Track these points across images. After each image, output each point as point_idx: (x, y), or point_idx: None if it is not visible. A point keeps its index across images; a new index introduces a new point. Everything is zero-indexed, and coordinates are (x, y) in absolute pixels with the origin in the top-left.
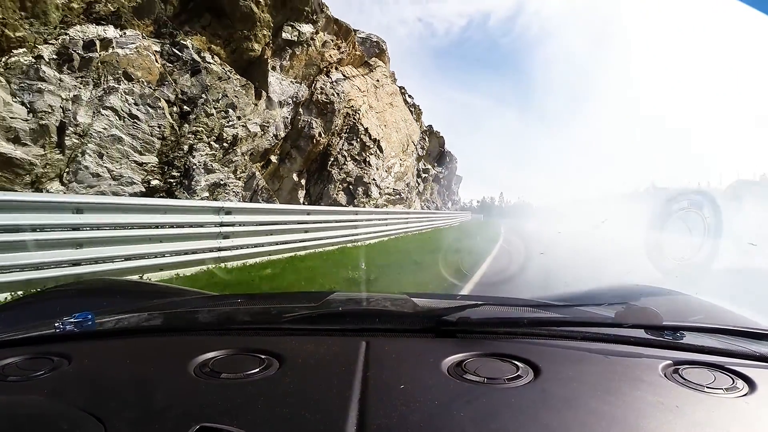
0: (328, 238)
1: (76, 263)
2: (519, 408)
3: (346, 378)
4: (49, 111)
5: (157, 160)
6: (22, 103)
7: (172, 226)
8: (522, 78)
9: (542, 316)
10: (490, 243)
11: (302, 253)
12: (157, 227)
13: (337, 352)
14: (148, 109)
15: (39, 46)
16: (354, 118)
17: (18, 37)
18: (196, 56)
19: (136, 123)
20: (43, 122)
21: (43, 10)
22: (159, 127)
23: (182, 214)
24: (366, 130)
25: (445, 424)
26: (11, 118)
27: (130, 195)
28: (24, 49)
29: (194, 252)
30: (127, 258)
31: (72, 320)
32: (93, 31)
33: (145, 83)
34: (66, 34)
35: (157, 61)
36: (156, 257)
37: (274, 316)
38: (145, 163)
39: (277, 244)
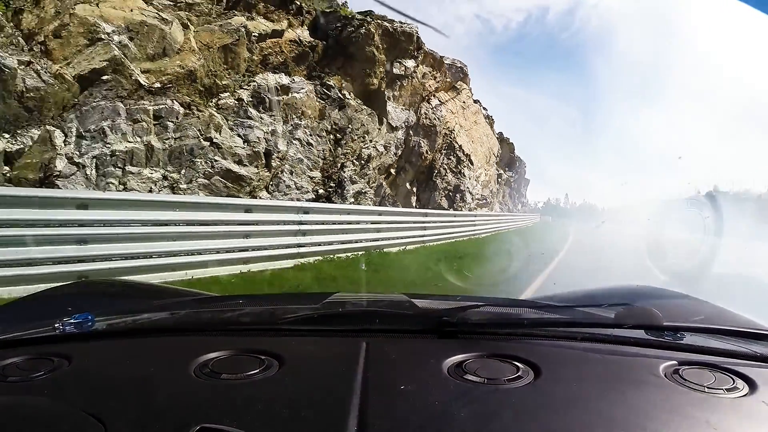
0: (402, 238)
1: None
2: (519, 409)
3: (346, 379)
4: (258, 141)
5: (320, 174)
6: (239, 136)
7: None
8: (583, 75)
9: (543, 317)
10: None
11: (394, 249)
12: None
13: (337, 352)
14: (317, 138)
15: (237, 91)
16: (450, 137)
17: (223, 84)
18: (339, 94)
19: (310, 148)
20: (255, 149)
21: (236, 62)
22: (322, 151)
23: (270, 213)
24: (460, 146)
25: (445, 425)
26: (235, 146)
27: (306, 200)
28: (228, 93)
29: (280, 247)
30: (217, 251)
31: (72, 321)
32: (271, 78)
33: (313, 118)
34: (254, 81)
35: (316, 101)
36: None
37: (275, 317)
38: (314, 177)
39: (352, 242)
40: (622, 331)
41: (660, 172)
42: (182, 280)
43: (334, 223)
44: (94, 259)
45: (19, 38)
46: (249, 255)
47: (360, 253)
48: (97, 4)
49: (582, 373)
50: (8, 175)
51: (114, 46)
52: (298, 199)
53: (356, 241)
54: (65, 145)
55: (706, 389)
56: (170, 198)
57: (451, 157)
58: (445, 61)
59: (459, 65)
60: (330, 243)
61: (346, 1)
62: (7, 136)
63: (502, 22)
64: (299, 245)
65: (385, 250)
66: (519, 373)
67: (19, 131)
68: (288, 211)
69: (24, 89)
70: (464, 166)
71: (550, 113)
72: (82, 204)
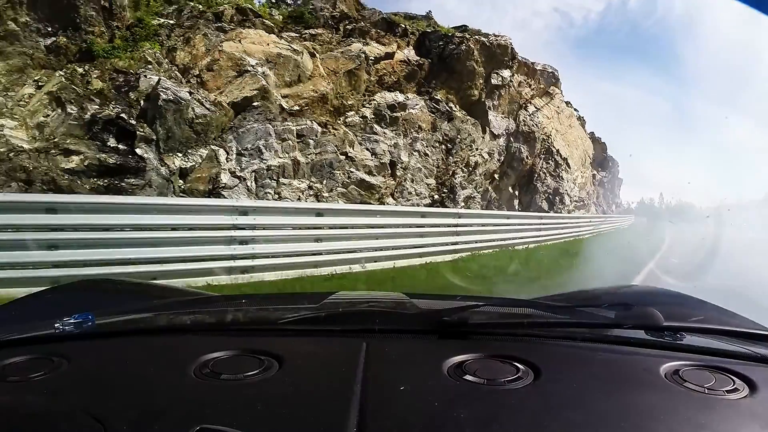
0: (523, 238)
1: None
2: (519, 409)
3: (345, 379)
4: (383, 153)
5: (435, 181)
6: (367, 149)
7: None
8: (672, 63)
9: (543, 317)
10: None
11: (519, 247)
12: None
13: (337, 353)
14: (432, 148)
15: (361, 109)
16: (548, 142)
17: (349, 104)
18: (446, 106)
19: (426, 158)
20: (382, 161)
21: (358, 84)
22: (436, 160)
23: (435, 218)
24: (557, 150)
25: (445, 425)
26: (365, 159)
27: (424, 205)
28: (353, 112)
29: (443, 245)
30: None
31: (72, 321)
32: (389, 96)
33: (427, 131)
34: (374, 99)
35: (428, 115)
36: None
37: (275, 317)
38: (430, 183)
39: (490, 241)
40: (622, 332)
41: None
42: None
43: (481, 225)
44: (255, 257)
45: (176, 72)
46: (424, 250)
47: (496, 250)
48: (240, 41)
49: (582, 373)
50: (183, 186)
51: (260, 76)
52: (418, 204)
53: (491, 240)
54: (227, 161)
55: (706, 390)
56: (376, 208)
57: (550, 161)
58: (537, 67)
59: (550, 70)
60: (476, 242)
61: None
62: (180, 155)
63: (582, 14)
64: (455, 243)
65: (516, 248)
66: (519, 374)
67: (189, 151)
68: (447, 216)
69: (194, 116)
70: (562, 170)
71: (640, 106)
72: (243, 211)
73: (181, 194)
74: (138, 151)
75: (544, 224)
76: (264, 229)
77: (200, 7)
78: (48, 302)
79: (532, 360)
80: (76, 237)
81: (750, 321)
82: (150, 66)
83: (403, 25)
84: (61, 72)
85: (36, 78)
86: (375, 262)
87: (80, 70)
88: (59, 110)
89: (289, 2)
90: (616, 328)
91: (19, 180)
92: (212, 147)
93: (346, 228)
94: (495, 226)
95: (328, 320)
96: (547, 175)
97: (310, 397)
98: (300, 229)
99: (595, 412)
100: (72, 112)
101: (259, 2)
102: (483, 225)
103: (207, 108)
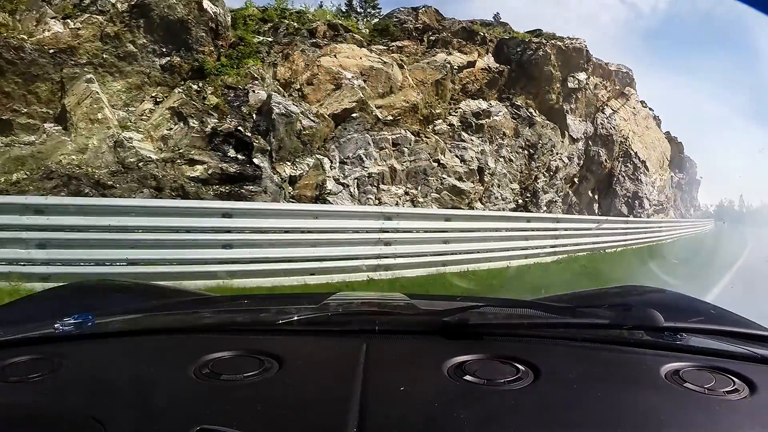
0: (611, 242)
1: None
2: (519, 410)
3: (346, 379)
4: (471, 160)
5: (518, 186)
6: (456, 156)
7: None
8: (749, 53)
9: (543, 318)
10: None
11: (609, 250)
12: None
13: (337, 353)
14: (515, 154)
15: (448, 118)
16: (626, 145)
17: (437, 113)
18: (527, 112)
19: (510, 164)
20: (471, 167)
21: (444, 93)
22: (519, 165)
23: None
24: (635, 153)
25: (445, 426)
26: (455, 165)
27: (509, 210)
28: (441, 120)
29: (545, 247)
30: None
31: (72, 321)
32: (473, 104)
33: (510, 137)
34: (459, 107)
35: (511, 121)
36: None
37: (275, 318)
38: (514, 188)
39: (584, 245)
40: (622, 332)
41: None
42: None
43: (574, 229)
44: (396, 256)
45: (278, 87)
46: (530, 252)
47: (588, 252)
48: (335, 56)
49: (582, 374)
50: (292, 193)
51: (356, 89)
52: (503, 209)
53: (584, 244)
54: (331, 169)
55: (706, 391)
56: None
57: (628, 165)
58: (611, 68)
59: (624, 70)
60: (572, 245)
61: (495, 15)
62: (289, 163)
63: (650, 4)
64: (554, 246)
65: (607, 251)
66: (519, 375)
67: (297, 160)
68: (545, 221)
69: (301, 128)
70: (641, 173)
71: (717, 101)
72: (388, 216)
73: (291, 200)
74: (255, 160)
75: (629, 228)
76: (403, 232)
77: (295, 24)
78: (48, 302)
79: (532, 360)
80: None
81: (750, 321)
82: (256, 81)
83: (481, 33)
84: (179, 89)
85: (153, 94)
86: (489, 262)
87: (195, 86)
88: (181, 124)
89: (365, 11)
90: (616, 329)
91: (150, 187)
92: (317, 156)
93: (467, 231)
94: (586, 230)
95: (328, 321)
96: (626, 178)
97: (310, 398)
98: (431, 232)
99: (595, 413)
100: (194, 125)
101: (330, 6)
102: (576, 229)
103: (312, 120)
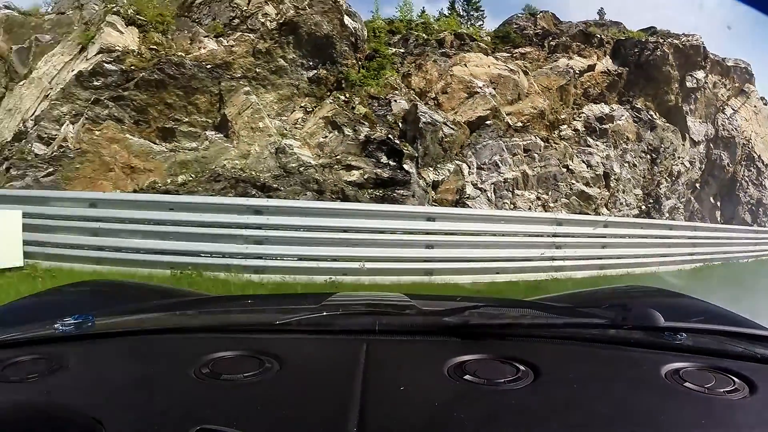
0: (737, 252)
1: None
2: (519, 410)
3: (346, 380)
4: (597, 165)
5: (641, 192)
6: (583, 161)
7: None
8: None
9: (543, 318)
10: None
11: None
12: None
13: (337, 353)
14: (638, 158)
15: (573, 123)
16: (748, 147)
17: (562, 118)
18: (648, 115)
19: (634, 169)
20: (597, 173)
21: (567, 98)
22: (642, 170)
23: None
24: (758, 156)
25: (445, 426)
26: (582, 171)
27: (633, 216)
28: (565, 125)
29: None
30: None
31: (72, 321)
32: (595, 108)
33: (633, 141)
34: (582, 112)
35: (633, 125)
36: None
37: (275, 318)
38: (637, 194)
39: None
40: (622, 332)
41: None
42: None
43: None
44: (564, 258)
45: (414, 96)
46: (667, 259)
47: (722, 262)
48: (465, 65)
49: (582, 374)
50: (434, 197)
51: (488, 97)
52: (626, 215)
53: (721, 252)
54: (469, 175)
55: (706, 390)
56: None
57: (752, 169)
58: (728, 64)
59: (743, 65)
60: (707, 253)
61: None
62: (431, 169)
63: None
64: (691, 254)
65: (731, 261)
66: (519, 375)
67: (439, 166)
68: (685, 228)
69: (443, 135)
70: (764, 178)
71: None
72: (559, 222)
73: (433, 203)
74: (405, 166)
75: (760, 239)
76: (570, 236)
77: (424, 35)
78: (48, 303)
79: (532, 360)
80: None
81: (750, 321)
82: (396, 92)
83: (597, 35)
84: (329, 100)
85: (302, 105)
86: (643, 267)
87: (342, 97)
88: (336, 132)
89: (468, 14)
90: (616, 329)
91: (312, 190)
92: (456, 162)
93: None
94: (722, 238)
95: (328, 321)
96: (749, 184)
97: (310, 398)
98: (589, 237)
99: (595, 413)
100: (349, 134)
101: (433, 11)
102: (711, 237)
103: (451, 128)
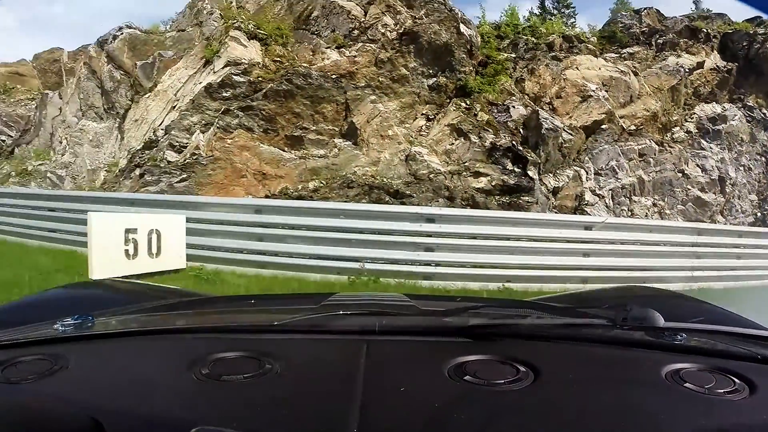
0: None
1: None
2: (519, 410)
3: (346, 380)
4: (712, 169)
5: (756, 198)
6: (697, 165)
7: None
8: None
9: (543, 318)
10: None
11: None
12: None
13: (337, 354)
14: (754, 161)
15: (684, 124)
16: None
17: (674, 120)
18: (760, 113)
19: (749, 172)
20: (712, 177)
21: (678, 98)
22: (757, 174)
23: None
24: None
25: (445, 426)
26: (697, 175)
27: (748, 224)
28: (677, 127)
29: None
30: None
31: (72, 321)
32: (707, 108)
33: (747, 143)
34: (694, 113)
35: (746, 124)
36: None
37: (275, 318)
38: (752, 200)
39: None
40: (622, 333)
41: None
42: None
43: None
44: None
45: (529, 101)
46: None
47: None
48: (577, 68)
49: (582, 375)
50: (554, 203)
51: (603, 100)
52: (742, 223)
53: None
54: (587, 180)
55: (706, 391)
56: None
57: None
58: None
59: None
60: None
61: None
62: (551, 175)
63: None
64: None
65: None
66: (519, 375)
67: (558, 172)
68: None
69: (562, 141)
70: None
71: None
72: (699, 231)
73: (553, 210)
74: (529, 173)
75: None
76: (714, 247)
77: (533, 39)
78: (48, 303)
79: (532, 361)
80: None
81: (750, 321)
82: (514, 97)
83: (704, 30)
84: (452, 107)
85: (423, 112)
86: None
87: (463, 104)
88: (462, 139)
89: (559, 11)
90: (616, 329)
91: (444, 196)
92: (575, 168)
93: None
94: None
95: (328, 321)
96: None
97: (310, 399)
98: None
99: (595, 413)
100: (475, 140)
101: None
102: None
103: (569, 133)
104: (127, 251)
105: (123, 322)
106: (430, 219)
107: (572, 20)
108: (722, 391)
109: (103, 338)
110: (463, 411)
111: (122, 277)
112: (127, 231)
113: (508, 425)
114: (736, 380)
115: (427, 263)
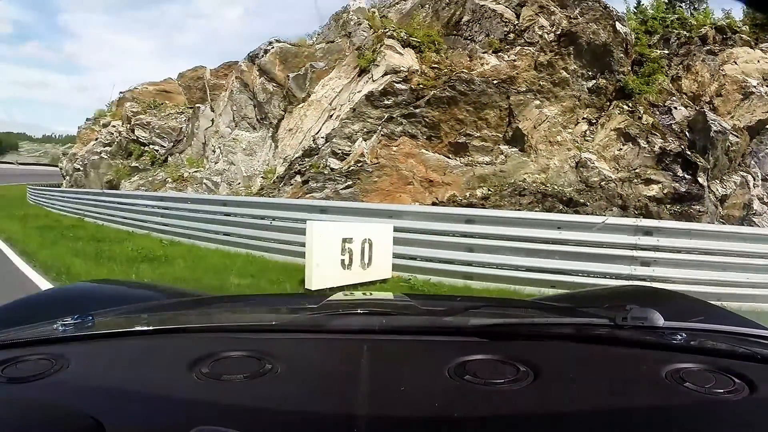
0: None
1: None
2: (519, 410)
3: (346, 380)
4: None
5: None
6: None
7: None
8: None
9: (543, 318)
10: None
11: None
12: None
13: (337, 353)
14: None
15: None
16: None
17: None
18: None
19: None
20: None
21: None
22: None
23: None
24: None
25: (445, 426)
26: None
27: None
28: None
29: None
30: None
31: (72, 321)
32: None
33: None
34: None
35: None
36: None
37: (275, 318)
38: None
39: None
40: (622, 332)
41: None
42: None
43: None
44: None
45: (688, 100)
46: None
47: None
48: (735, 62)
49: (582, 374)
50: (721, 213)
51: (766, 97)
52: None
53: None
54: (754, 187)
55: (707, 391)
56: None
57: None
58: None
59: None
60: None
61: None
62: (717, 182)
63: None
64: None
65: None
66: (519, 375)
67: (724, 178)
68: None
69: (729, 144)
70: None
71: None
72: None
73: (720, 221)
74: (699, 179)
75: None
76: None
77: (685, 33)
78: (48, 303)
79: (532, 360)
80: None
81: (750, 321)
82: (674, 97)
83: None
84: (616, 110)
85: (584, 116)
86: None
87: (625, 107)
88: (630, 144)
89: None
90: (616, 329)
91: (617, 205)
92: (741, 173)
93: None
94: None
95: (328, 321)
96: None
97: (311, 399)
98: None
99: (595, 413)
100: (644, 146)
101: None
102: None
103: (735, 135)
104: (342, 261)
105: (123, 322)
106: (648, 232)
107: (704, 6)
108: (722, 390)
109: (103, 338)
110: (464, 410)
111: (329, 288)
112: (344, 240)
113: (508, 425)
114: (735, 380)
115: (642, 279)
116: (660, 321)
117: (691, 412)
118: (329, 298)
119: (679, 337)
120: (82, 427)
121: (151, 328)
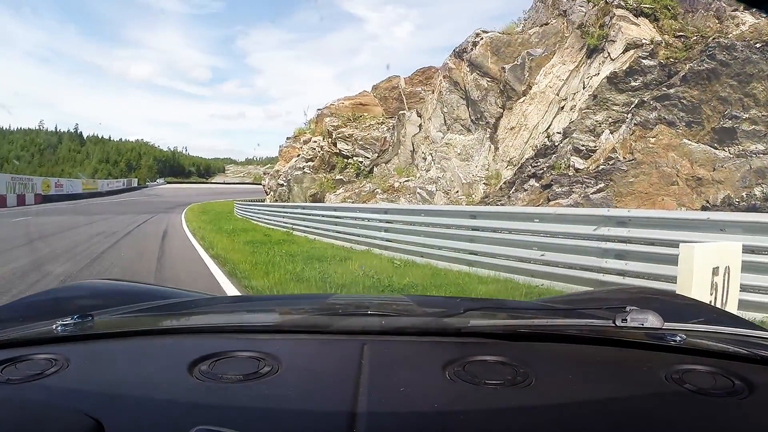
0: None
1: None
2: (518, 411)
3: (345, 380)
4: None
5: None
6: None
7: None
8: None
9: (542, 319)
10: None
11: None
12: None
13: (336, 354)
14: None
15: None
16: None
17: None
18: None
19: None
20: None
21: None
22: None
23: None
24: None
25: (444, 427)
26: None
27: None
28: None
29: None
30: None
31: (72, 321)
32: None
33: None
34: None
35: None
36: None
37: (274, 318)
38: None
39: None
40: (621, 333)
41: None
42: None
43: None
44: None
45: None
46: None
47: None
48: None
49: (581, 375)
50: None
51: None
52: None
53: None
54: None
55: (707, 392)
56: None
57: None
58: None
59: None
60: None
61: None
62: None
63: None
64: None
65: None
66: (518, 375)
67: None
68: None
69: None
70: None
71: None
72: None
73: None
74: None
75: None
76: None
77: None
78: (48, 302)
79: (531, 362)
80: None
81: (750, 322)
82: None
83: None
84: None
85: None
86: None
87: None
88: None
89: None
90: (616, 330)
91: None
92: None
93: None
94: None
95: (328, 321)
96: None
97: (310, 399)
98: None
99: (595, 414)
100: None
101: None
102: None
103: None
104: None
105: (123, 322)
106: None
107: None
108: (722, 391)
109: (103, 338)
110: (463, 411)
111: None
112: (714, 270)
113: (508, 425)
114: (735, 380)
115: None
116: (660, 322)
117: (691, 414)
118: (329, 299)
119: (679, 339)
120: (81, 428)
121: (150, 328)
